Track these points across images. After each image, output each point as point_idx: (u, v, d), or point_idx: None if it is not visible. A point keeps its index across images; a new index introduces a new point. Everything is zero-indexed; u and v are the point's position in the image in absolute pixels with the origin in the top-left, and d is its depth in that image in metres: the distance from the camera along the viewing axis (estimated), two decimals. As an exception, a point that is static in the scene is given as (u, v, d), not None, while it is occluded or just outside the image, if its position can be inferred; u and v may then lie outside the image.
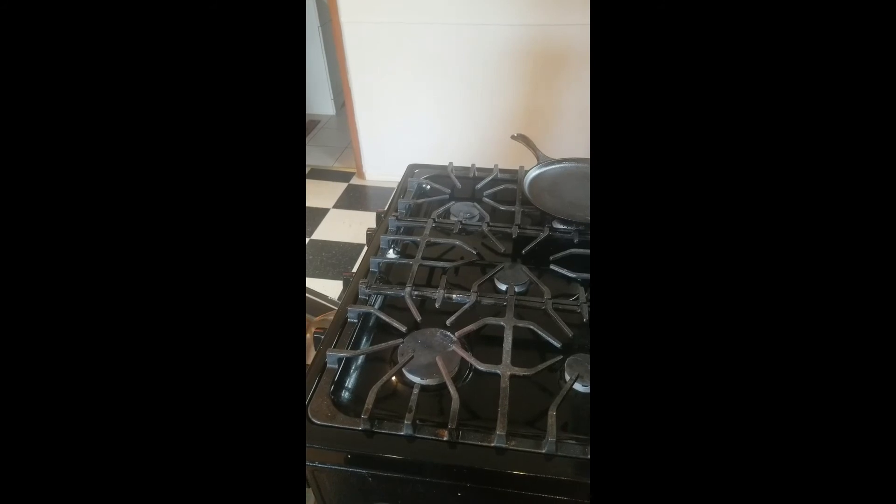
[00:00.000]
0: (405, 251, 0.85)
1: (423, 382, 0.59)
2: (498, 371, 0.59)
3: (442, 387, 0.58)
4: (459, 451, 0.52)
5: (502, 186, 0.99)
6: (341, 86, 2.49)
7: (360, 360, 0.65)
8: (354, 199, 2.59)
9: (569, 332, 0.65)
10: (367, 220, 2.34)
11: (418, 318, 0.67)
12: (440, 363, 0.59)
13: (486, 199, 0.95)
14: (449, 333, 0.65)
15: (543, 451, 0.52)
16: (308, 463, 0.55)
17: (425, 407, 0.57)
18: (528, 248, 0.83)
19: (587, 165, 0.97)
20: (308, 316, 1.03)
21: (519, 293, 0.73)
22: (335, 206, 2.52)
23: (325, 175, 2.77)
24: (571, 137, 2.35)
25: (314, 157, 2.96)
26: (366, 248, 0.87)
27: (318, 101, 3.44)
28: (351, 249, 2.21)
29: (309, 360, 0.63)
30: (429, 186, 1.04)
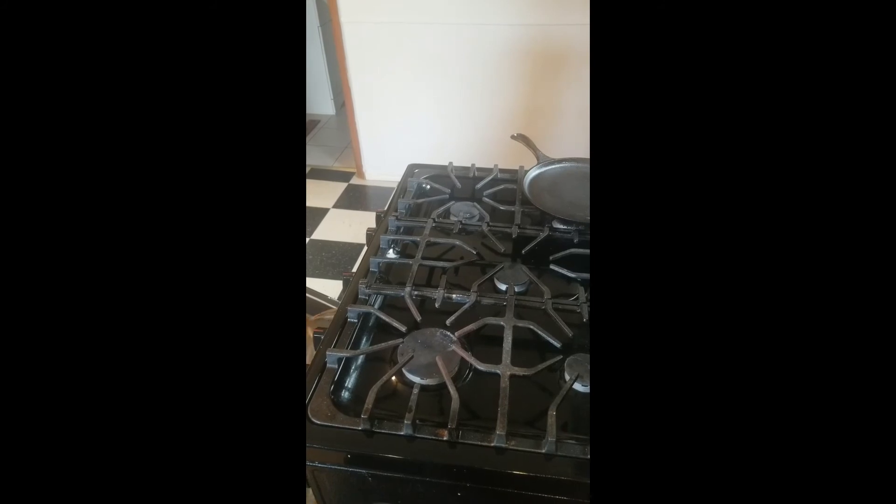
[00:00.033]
0: (405, 251, 0.85)
1: (423, 382, 0.59)
2: (498, 371, 0.59)
3: (442, 387, 0.58)
4: (459, 451, 0.52)
5: (502, 186, 0.99)
6: (341, 85, 2.49)
7: (360, 359, 0.65)
8: (354, 198, 2.59)
9: (568, 331, 0.65)
10: (367, 219, 2.34)
11: (418, 318, 0.67)
12: (440, 363, 0.59)
13: (485, 199, 0.95)
14: (449, 333, 0.65)
15: (543, 450, 0.52)
16: (308, 463, 0.55)
17: (425, 407, 0.57)
18: (527, 247, 0.83)
19: (587, 165, 0.97)
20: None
21: (519, 293, 0.73)
22: (335, 206, 2.52)
23: (325, 175, 2.77)
24: (571, 137, 2.35)
25: (314, 157, 2.96)
26: (366, 248, 0.87)
27: (318, 100, 3.44)
28: (351, 249, 2.21)
29: (308, 360, 0.63)
30: (429, 186, 1.04)
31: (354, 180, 2.73)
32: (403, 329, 0.66)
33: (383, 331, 0.68)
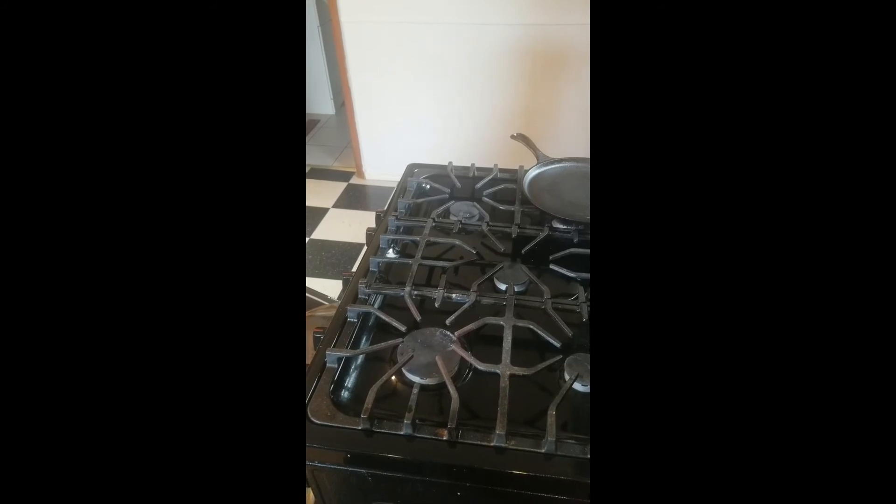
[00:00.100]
0: (405, 251, 0.85)
1: (423, 382, 0.59)
2: (497, 370, 0.59)
3: (441, 386, 0.58)
4: (459, 451, 0.52)
5: (502, 186, 0.99)
6: (341, 85, 2.49)
7: (360, 359, 0.65)
8: (354, 198, 2.59)
9: (568, 331, 0.65)
10: (367, 219, 2.34)
11: (418, 318, 0.67)
12: (440, 363, 0.59)
13: (485, 199, 0.95)
14: (448, 333, 0.65)
15: (543, 450, 0.52)
16: (308, 462, 0.55)
17: (425, 406, 0.57)
18: (527, 247, 0.83)
19: (587, 165, 0.97)
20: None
21: (518, 293, 0.73)
22: (335, 206, 2.52)
23: (325, 174, 2.77)
24: (571, 137, 2.35)
25: (314, 157, 2.96)
26: (365, 248, 0.87)
27: (318, 100, 3.43)
28: (350, 249, 2.21)
29: (308, 360, 0.63)
30: (428, 186, 1.04)
31: (354, 180, 2.73)
32: (403, 329, 0.66)
33: (383, 330, 0.68)
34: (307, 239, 2.27)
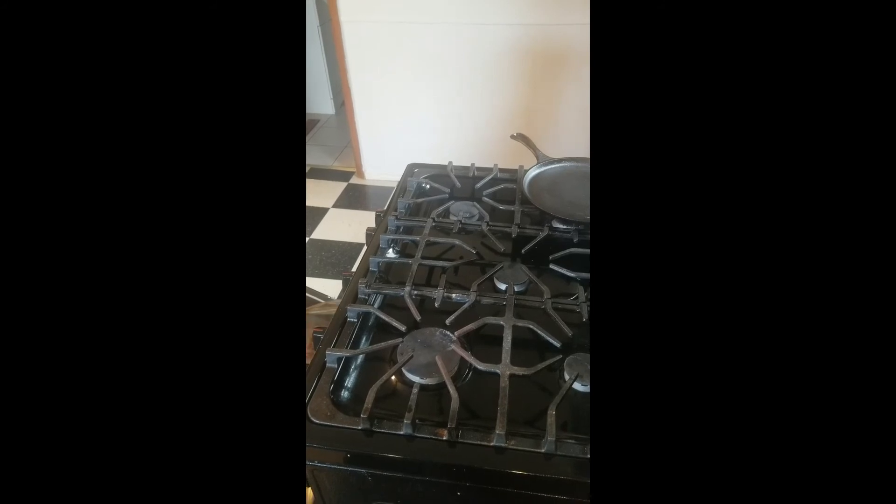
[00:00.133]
0: (405, 250, 0.85)
1: (423, 382, 0.59)
2: (497, 370, 0.59)
3: (441, 386, 0.58)
4: (459, 451, 0.52)
5: (502, 186, 0.99)
6: (341, 85, 2.49)
7: (360, 359, 0.65)
8: (354, 198, 2.59)
9: (568, 331, 0.65)
10: (367, 219, 2.34)
11: (418, 318, 0.67)
12: (440, 362, 0.59)
13: (485, 199, 0.95)
14: (448, 333, 0.65)
15: (543, 450, 0.52)
16: (308, 462, 0.55)
17: (425, 406, 0.57)
18: (527, 247, 0.83)
19: (586, 165, 0.97)
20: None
21: (518, 292, 0.73)
22: (335, 206, 2.52)
23: (325, 174, 2.77)
24: (571, 137, 2.35)
25: (314, 157, 2.96)
26: (365, 248, 0.87)
27: (318, 100, 3.43)
28: (350, 249, 2.21)
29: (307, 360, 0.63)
30: (428, 186, 1.04)
31: (354, 180, 2.73)
32: (403, 328, 0.66)
33: (383, 330, 0.68)
34: (307, 239, 2.27)
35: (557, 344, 0.63)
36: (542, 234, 0.84)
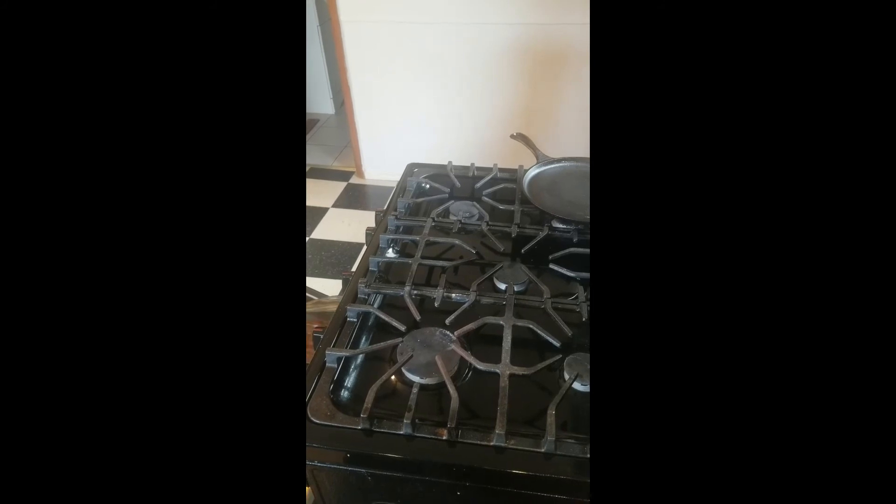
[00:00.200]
0: (404, 250, 0.85)
1: (423, 381, 0.59)
2: (497, 370, 0.59)
3: (441, 386, 0.58)
4: (459, 450, 0.52)
5: (501, 185, 0.99)
6: (340, 85, 2.49)
7: (360, 359, 0.65)
8: (354, 198, 2.59)
9: (568, 331, 0.65)
10: (367, 219, 2.34)
11: (418, 318, 0.67)
12: (439, 362, 0.59)
13: (485, 199, 0.95)
14: (448, 332, 0.65)
15: (542, 450, 0.52)
16: (308, 462, 0.55)
17: (424, 406, 0.57)
18: (527, 247, 0.83)
19: (586, 165, 0.97)
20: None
21: (518, 292, 0.73)
22: (334, 206, 2.52)
23: (325, 174, 2.77)
24: (571, 137, 2.35)
25: (313, 156, 2.96)
26: (365, 248, 0.87)
27: (318, 99, 3.43)
28: (350, 248, 2.21)
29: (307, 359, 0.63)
30: (428, 185, 1.04)
31: (354, 179, 2.73)
32: (403, 328, 0.66)
33: (383, 330, 0.68)
34: (307, 238, 2.27)
35: (557, 344, 0.63)
36: (541, 234, 0.84)
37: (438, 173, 1.06)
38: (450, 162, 1.06)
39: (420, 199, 0.97)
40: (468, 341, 0.66)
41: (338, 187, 2.66)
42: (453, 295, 0.71)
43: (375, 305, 0.71)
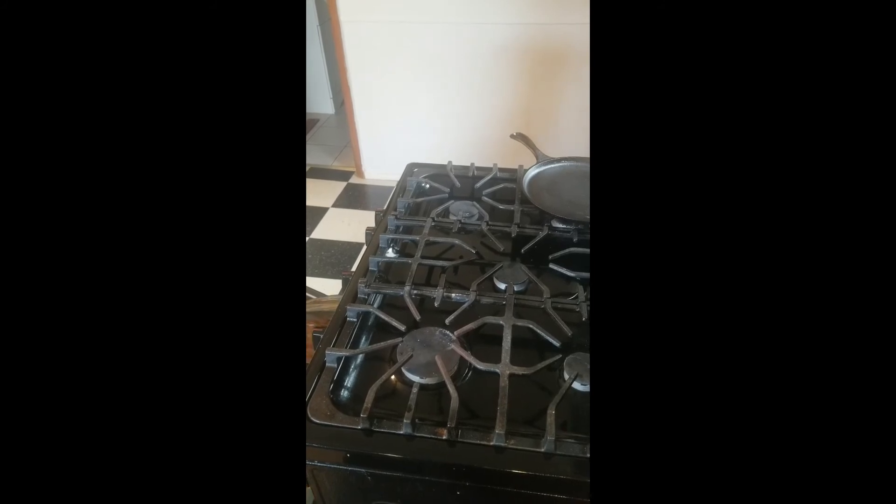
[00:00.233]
0: (404, 250, 0.85)
1: (423, 381, 0.59)
2: (497, 370, 0.59)
3: (441, 386, 0.58)
4: (458, 450, 0.52)
5: (501, 185, 0.99)
6: (340, 84, 2.49)
7: (360, 358, 0.65)
8: (353, 197, 2.59)
9: (568, 330, 0.65)
10: (367, 218, 2.34)
11: (417, 317, 0.67)
12: (439, 362, 0.59)
13: (485, 198, 0.95)
14: (448, 332, 0.65)
15: (542, 449, 0.52)
16: (308, 462, 0.55)
17: (424, 406, 0.57)
18: (527, 247, 0.83)
19: (586, 164, 0.97)
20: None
21: (518, 292, 0.73)
22: (334, 205, 2.52)
23: (325, 174, 2.77)
24: (570, 137, 2.35)
25: (313, 156, 2.96)
26: (365, 247, 0.87)
27: (318, 99, 3.43)
28: (350, 248, 2.21)
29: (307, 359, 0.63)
30: (428, 185, 1.04)
31: (354, 179, 2.73)
32: (403, 328, 0.66)
33: (383, 330, 0.68)
34: (307, 238, 2.27)
35: (557, 343, 0.63)
36: (541, 234, 0.84)
37: (438, 173, 1.06)
38: (450, 162, 1.06)
39: (420, 199, 0.97)
40: (468, 341, 0.66)
41: (338, 187, 2.66)
42: (453, 295, 0.71)
43: (375, 305, 0.71)
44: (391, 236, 0.84)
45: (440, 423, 0.54)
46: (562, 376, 0.61)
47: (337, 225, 2.38)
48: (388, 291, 0.72)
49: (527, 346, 0.66)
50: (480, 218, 0.90)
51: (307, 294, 1.13)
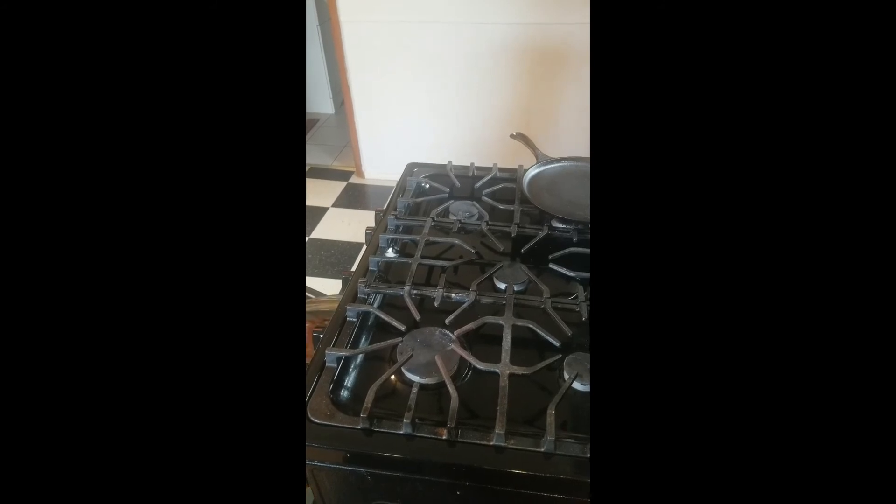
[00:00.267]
0: (404, 250, 0.85)
1: (423, 381, 0.59)
2: (497, 370, 0.59)
3: (441, 385, 0.58)
4: (458, 450, 0.52)
5: (501, 185, 0.99)
6: (340, 84, 2.49)
7: (360, 358, 0.65)
8: (353, 197, 2.59)
9: (568, 330, 0.65)
10: (366, 218, 2.34)
11: (417, 317, 0.67)
12: (439, 362, 0.59)
13: (485, 198, 0.95)
14: (448, 332, 0.65)
15: (542, 449, 0.52)
16: (308, 462, 0.55)
17: (424, 406, 0.57)
18: (527, 246, 0.83)
19: (586, 164, 0.97)
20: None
21: (518, 292, 0.73)
22: (334, 205, 2.52)
23: (324, 174, 2.77)
24: (570, 136, 2.35)
25: (313, 156, 2.96)
26: (365, 247, 0.87)
27: (318, 99, 3.43)
28: (350, 248, 2.21)
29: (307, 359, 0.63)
30: (428, 185, 1.04)
31: (353, 179, 2.73)
32: (403, 328, 0.66)
33: (382, 330, 0.68)
34: (307, 238, 2.27)
35: (557, 343, 0.63)
36: (541, 234, 0.84)
37: (438, 173, 1.06)
38: (449, 161, 1.06)
39: (420, 199, 0.97)
40: (468, 341, 0.66)
41: (337, 187, 2.66)
42: (453, 295, 0.71)
43: (375, 305, 0.71)
44: (391, 236, 0.84)
45: (440, 422, 0.54)
46: (562, 376, 0.61)
47: (337, 225, 2.38)
48: (387, 291, 0.72)
49: (527, 345, 0.66)
50: (480, 218, 0.90)
51: (307, 294, 1.13)
